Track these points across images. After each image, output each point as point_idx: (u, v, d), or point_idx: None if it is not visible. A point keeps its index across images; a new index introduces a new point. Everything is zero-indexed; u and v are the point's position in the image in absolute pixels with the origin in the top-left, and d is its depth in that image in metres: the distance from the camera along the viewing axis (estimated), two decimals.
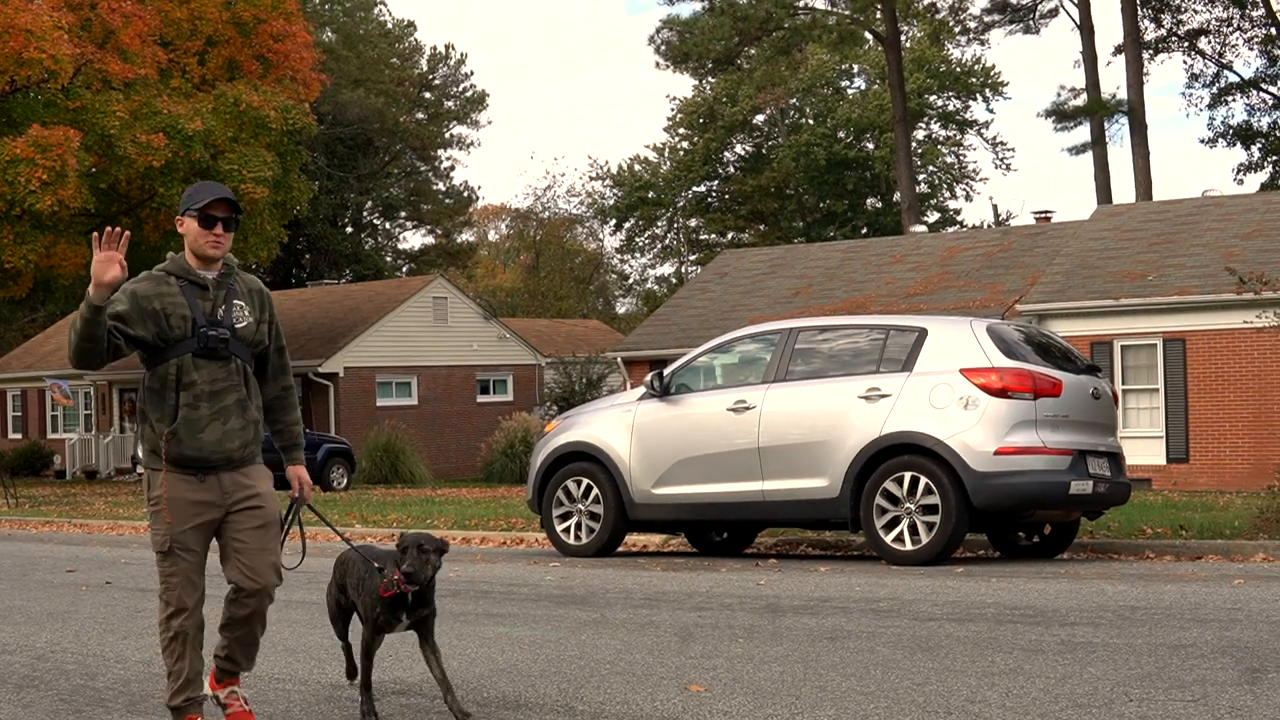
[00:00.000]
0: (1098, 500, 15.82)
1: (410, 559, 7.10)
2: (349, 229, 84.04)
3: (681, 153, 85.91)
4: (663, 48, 60.77)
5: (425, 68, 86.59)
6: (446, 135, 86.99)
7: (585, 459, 17.33)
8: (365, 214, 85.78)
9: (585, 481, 17.26)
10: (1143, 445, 34.26)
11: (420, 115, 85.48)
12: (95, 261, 6.49)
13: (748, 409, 16.14)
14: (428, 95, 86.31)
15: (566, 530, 17.40)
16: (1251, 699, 7.24)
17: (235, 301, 7.08)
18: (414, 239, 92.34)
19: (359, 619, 7.62)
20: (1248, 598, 11.60)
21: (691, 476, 16.51)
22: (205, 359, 6.94)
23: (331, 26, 79.86)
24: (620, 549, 17.85)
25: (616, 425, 17.18)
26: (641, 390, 17.30)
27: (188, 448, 6.90)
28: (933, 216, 79.98)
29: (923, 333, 15.71)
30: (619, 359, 44.43)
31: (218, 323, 6.98)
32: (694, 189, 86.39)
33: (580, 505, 17.28)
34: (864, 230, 77.85)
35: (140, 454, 7.15)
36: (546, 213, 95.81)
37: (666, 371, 17.16)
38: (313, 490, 8.09)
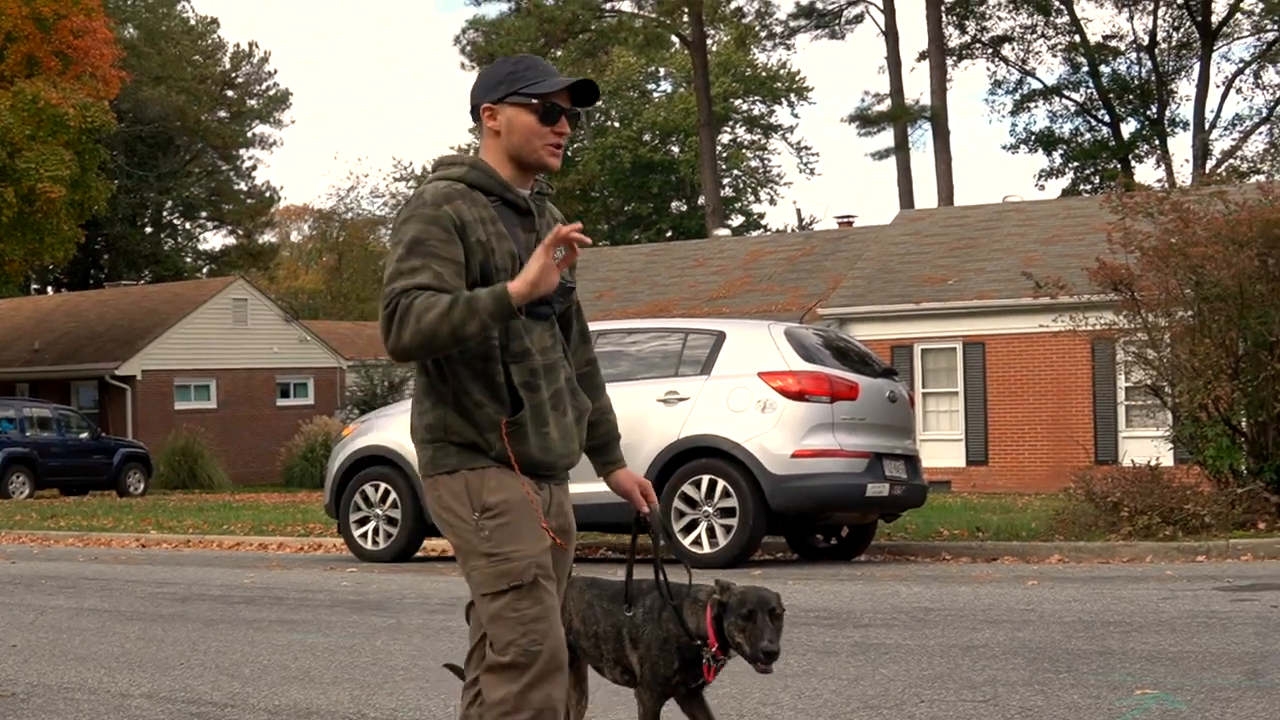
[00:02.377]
0: (894, 503, 16.00)
1: (768, 634, 5.23)
2: (148, 229, 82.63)
3: None
4: (468, 48, 60.48)
5: (228, 65, 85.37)
6: (249, 134, 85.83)
7: (383, 463, 17.13)
8: (165, 214, 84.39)
9: (383, 486, 17.06)
10: (943, 448, 34.74)
11: (222, 114, 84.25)
12: (541, 265, 4.45)
13: None
14: (230, 93, 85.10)
15: (364, 535, 17.20)
16: (1042, 699, 7.32)
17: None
18: (215, 239, 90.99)
19: (597, 671, 5.75)
20: (1041, 599, 11.78)
21: None
22: (533, 318, 4.79)
23: (133, 22, 78.45)
24: (418, 554, 17.70)
25: None
26: None
27: (535, 447, 4.78)
28: (737, 220, 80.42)
29: (721, 336, 15.77)
30: None
31: None
32: None
33: (378, 510, 17.09)
34: (669, 233, 78.13)
35: (425, 450, 4.82)
36: (350, 214, 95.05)
37: None
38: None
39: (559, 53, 60.67)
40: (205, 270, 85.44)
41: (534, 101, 4.78)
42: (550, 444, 4.81)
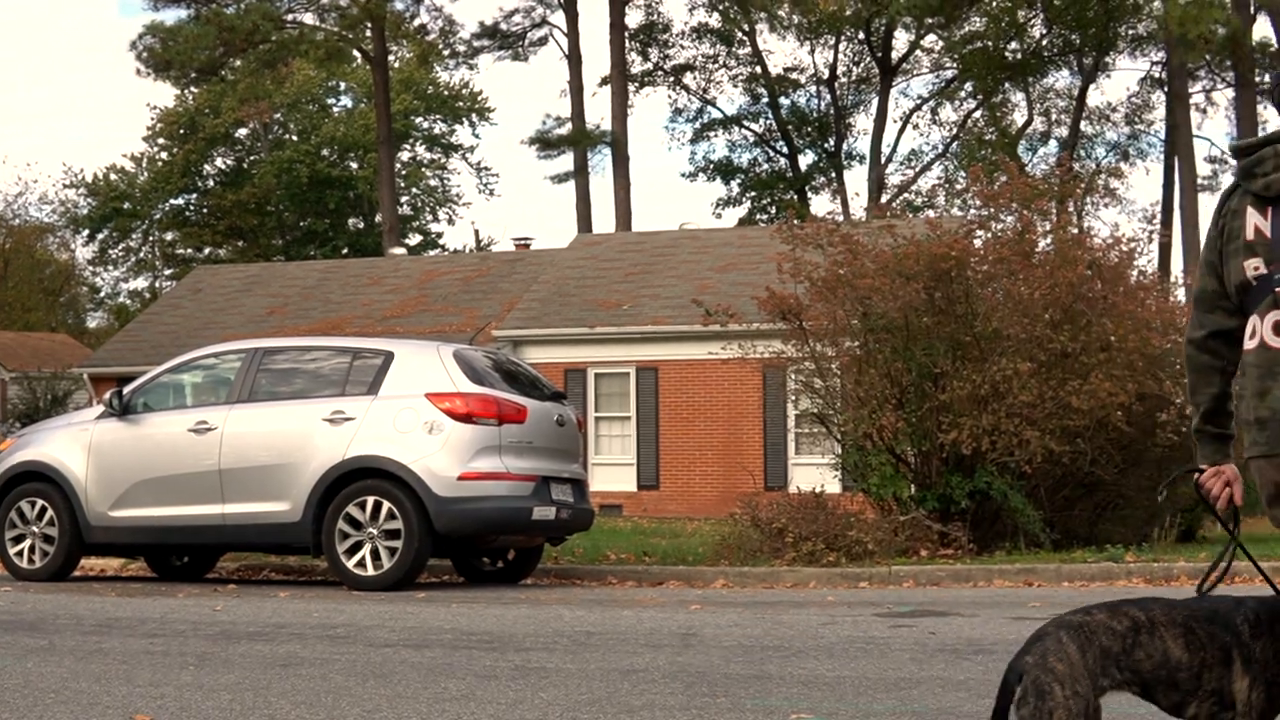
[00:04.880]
0: (560, 526, 15.99)
1: None
2: None
3: (160, 163, 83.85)
4: (145, 54, 59.13)
5: None
6: None
7: (40, 479, 16.53)
8: None
9: (40, 502, 16.44)
10: (615, 472, 34.93)
11: None
12: None
13: (209, 430, 15.70)
14: None
15: (20, 553, 16.56)
16: None
17: None
18: None
19: None
20: (703, 623, 11.81)
21: (151, 499, 15.94)
22: None
23: None
24: (77, 573, 17.14)
25: (73, 444, 16.48)
26: (100, 408, 16.68)
27: None
28: (415, 239, 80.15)
29: (389, 356, 15.59)
30: (86, 375, 43.05)
31: None
32: (172, 201, 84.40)
33: (34, 527, 16.45)
34: (345, 250, 77.47)
35: None
36: (17, 220, 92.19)
37: (126, 390, 16.57)
38: None
39: (237, 63, 59.74)
40: None
41: None
42: None
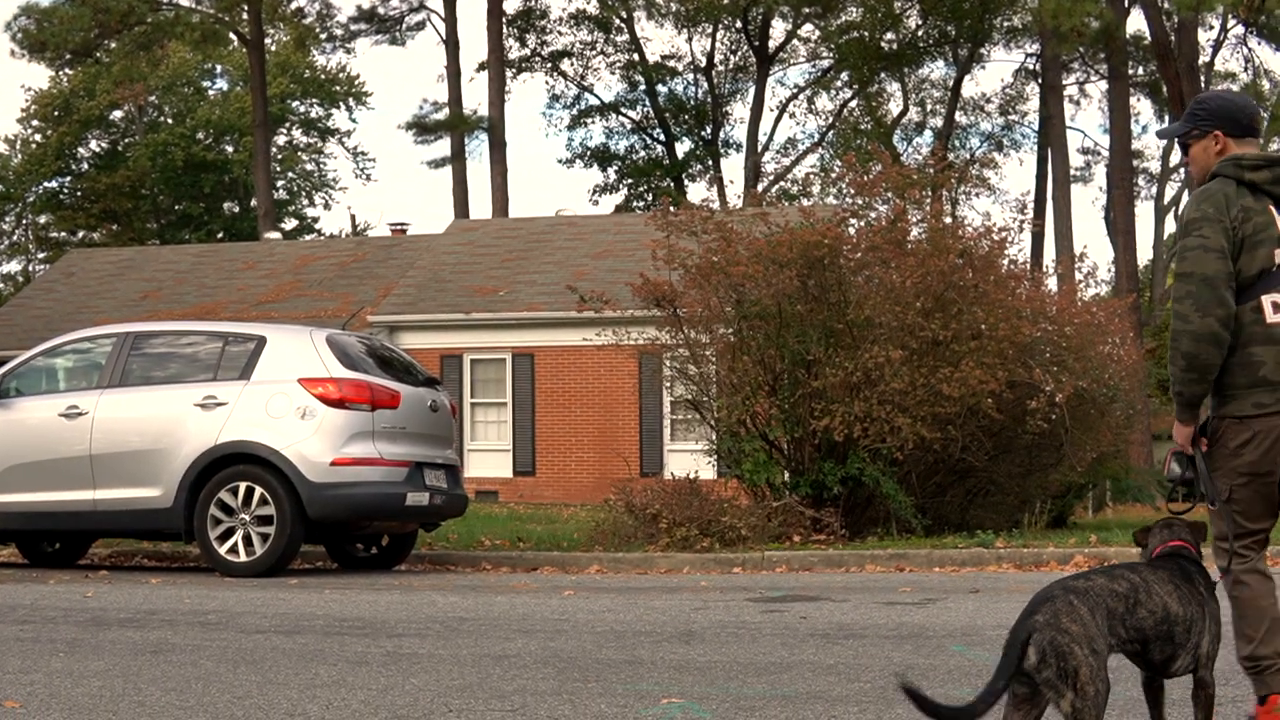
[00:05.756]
0: (434, 512, 15.99)
1: None
2: None
3: (34, 145, 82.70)
4: (19, 35, 58.28)
5: None
6: None
7: None
8: None
9: None
10: (491, 458, 34.94)
11: None
12: None
13: (80, 414, 15.55)
14: None
15: None
16: (570, 708, 7.32)
17: None
18: None
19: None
20: (576, 608, 11.86)
21: (22, 484, 15.75)
22: None
23: None
24: None
25: None
26: None
27: None
28: (291, 224, 79.58)
29: (262, 341, 15.51)
30: None
31: None
32: (45, 184, 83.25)
33: None
34: (220, 235, 76.75)
35: None
36: None
37: None
38: None
39: (112, 44, 59.04)
40: None
41: None
42: None
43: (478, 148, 61.15)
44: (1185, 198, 19.12)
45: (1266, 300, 6.00)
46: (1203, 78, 52.59)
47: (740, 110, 75.81)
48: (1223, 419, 6.07)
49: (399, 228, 47.96)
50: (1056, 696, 5.11)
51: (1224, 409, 6.07)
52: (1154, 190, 71.02)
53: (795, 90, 71.30)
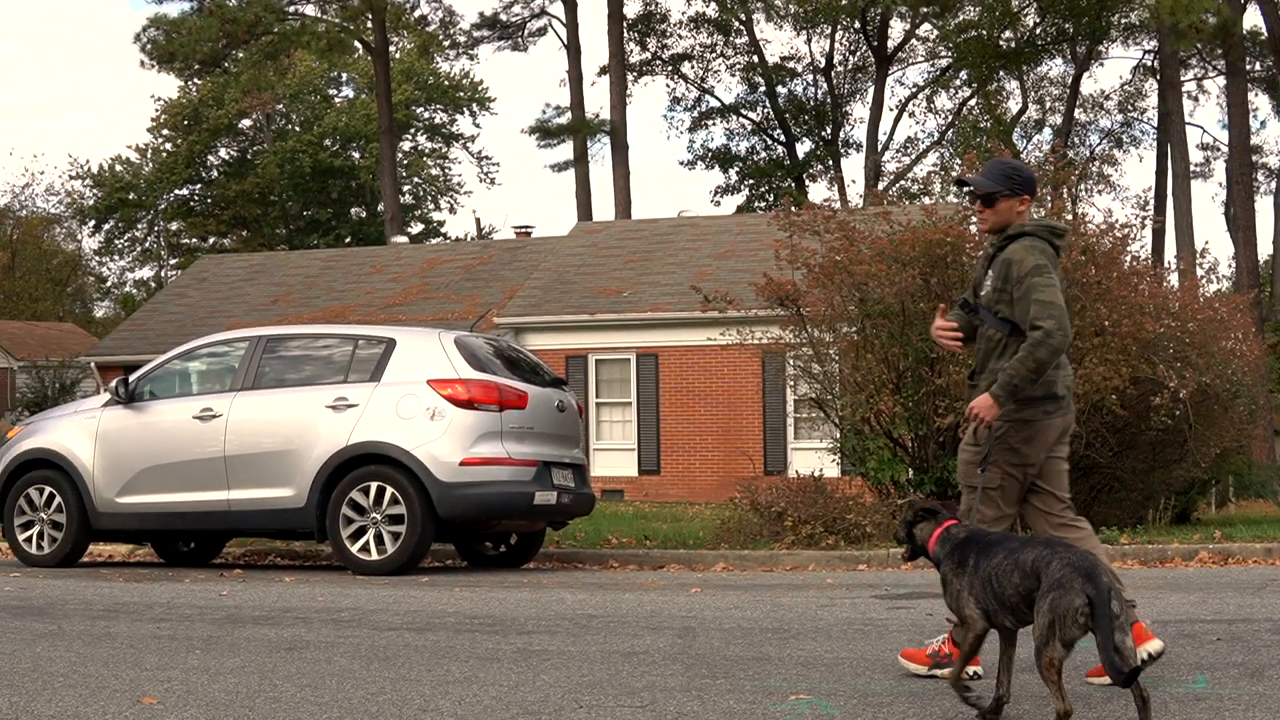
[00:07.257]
0: (562, 511, 16.07)
1: None
2: None
3: (165, 154, 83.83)
4: (149, 46, 59.07)
5: None
6: None
7: (48, 466, 16.65)
8: None
9: (48, 490, 16.58)
10: (616, 457, 35.04)
11: None
12: None
13: (214, 417, 15.82)
14: None
15: (29, 540, 16.69)
16: (698, 704, 7.37)
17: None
18: None
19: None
20: (703, 606, 11.89)
21: (157, 485, 16.05)
22: None
23: None
24: (85, 559, 17.27)
25: (80, 432, 16.60)
26: (107, 396, 16.79)
27: None
28: (416, 228, 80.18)
29: (391, 343, 15.68)
30: (93, 364, 43.20)
31: None
32: (176, 192, 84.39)
33: (43, 514, 16.58)
34: (347, 239, 77.46)
35: None
36: (25, 211, 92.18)
37: (132, 378, 16.69)
38: None
39: (240, 54, 59.75)
40: None
41: None
42: None
43: (600, 151, 61.39)
44: None
45: None
46: None
47: (860, 110, 75.91)
48: None
49: (523, 230, 48.21)
50: None
51: None
52: (1274, 185, 70.09)
53: (914, 89, 71.11)
